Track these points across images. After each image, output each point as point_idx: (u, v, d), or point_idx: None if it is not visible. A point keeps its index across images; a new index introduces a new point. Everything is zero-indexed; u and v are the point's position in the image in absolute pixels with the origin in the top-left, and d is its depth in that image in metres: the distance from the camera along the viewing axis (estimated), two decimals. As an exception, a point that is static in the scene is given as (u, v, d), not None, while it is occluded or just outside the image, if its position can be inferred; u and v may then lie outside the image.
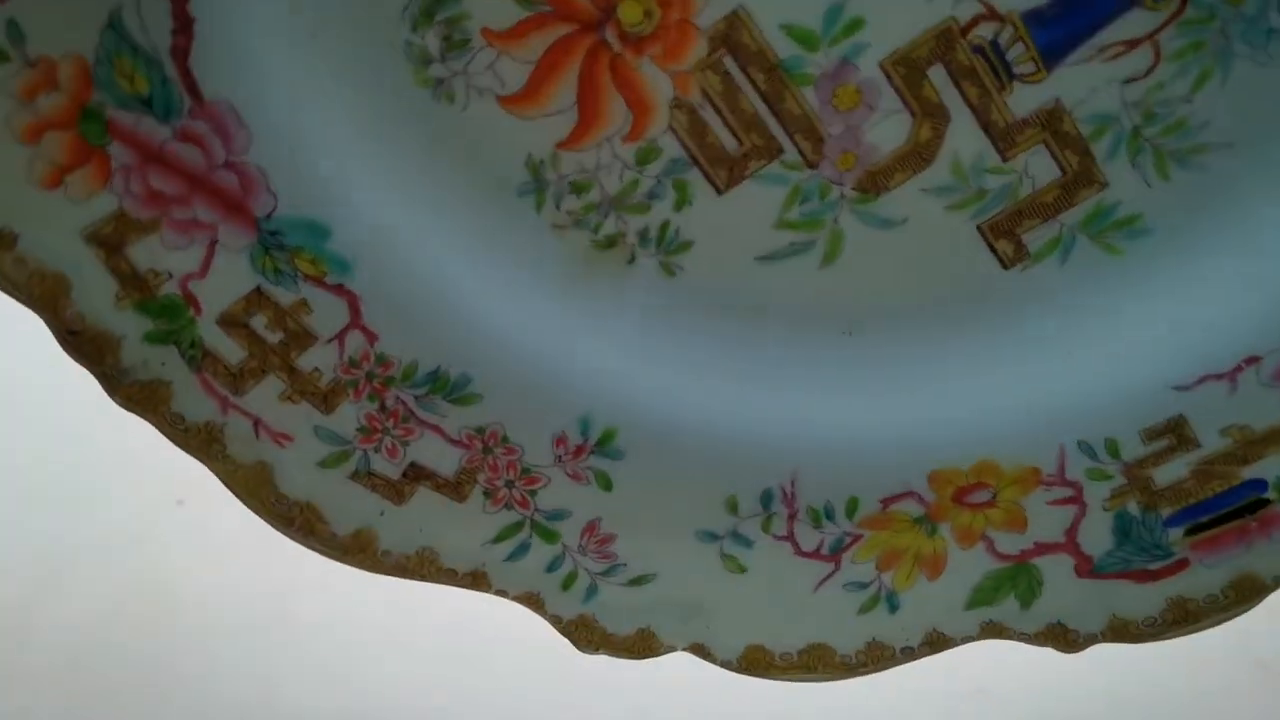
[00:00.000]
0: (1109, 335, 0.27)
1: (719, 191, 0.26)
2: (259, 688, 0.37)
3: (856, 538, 0.28)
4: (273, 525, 0.28)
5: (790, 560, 0.29)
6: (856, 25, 0.24)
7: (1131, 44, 0.24)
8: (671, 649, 0.29)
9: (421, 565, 0.28)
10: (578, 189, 0.26)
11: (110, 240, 0.24)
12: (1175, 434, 0.27)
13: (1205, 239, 0.26)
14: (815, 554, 0.29)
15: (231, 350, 0.26)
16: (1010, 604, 0.29)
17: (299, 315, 0.26)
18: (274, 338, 0.26)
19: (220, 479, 0.27)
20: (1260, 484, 0.27)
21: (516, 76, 0.25)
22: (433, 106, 0.25)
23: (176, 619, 0.40)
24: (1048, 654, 0.29)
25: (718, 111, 0.25)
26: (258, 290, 0.26)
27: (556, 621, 0.29)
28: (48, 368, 0.46)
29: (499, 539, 0.28)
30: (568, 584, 0.29)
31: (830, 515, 0.28)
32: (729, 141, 0.26)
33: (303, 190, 0.25)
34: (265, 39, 0.24)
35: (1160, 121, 0.25)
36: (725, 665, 0.29)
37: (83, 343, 0.25)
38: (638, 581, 0.29)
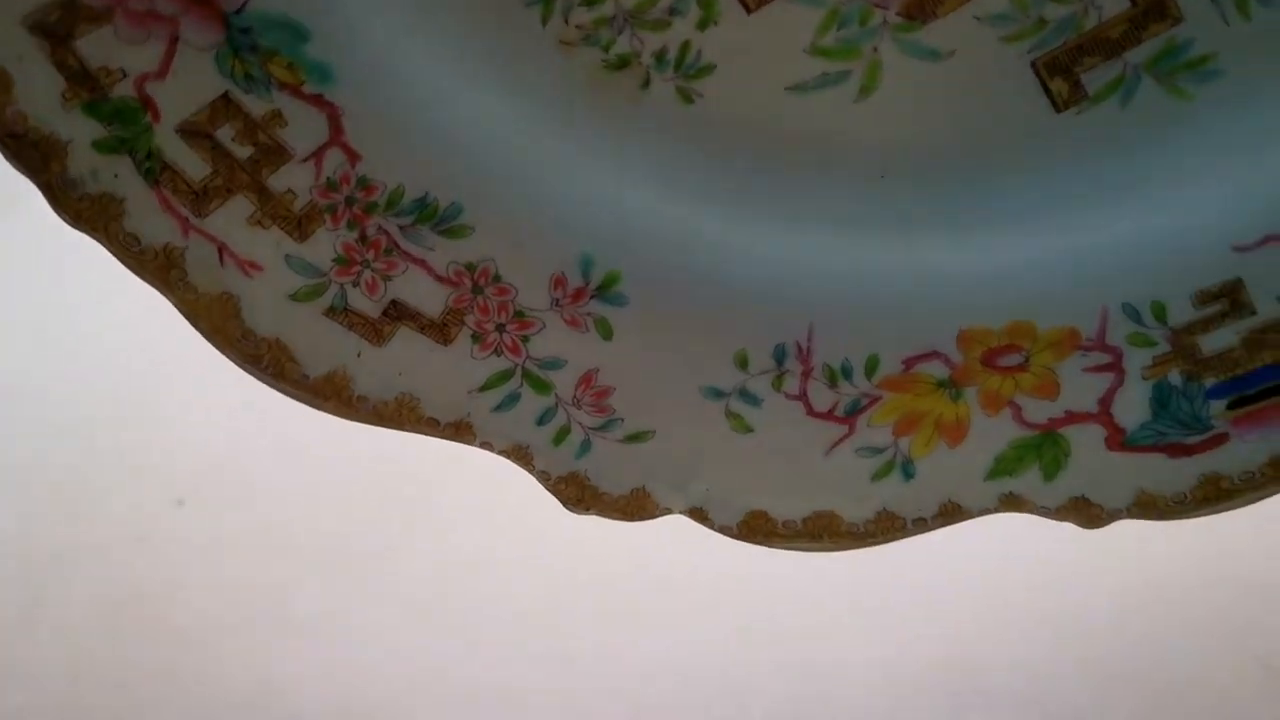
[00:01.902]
0: (1169, 188, 0.25)
1: (748, 10, 0.23)
2: (258, 687, 0.37)
3: (874, 399, 0.26)
4: (238, 364, 0.25)
5: (801, 421, 0.27)
6: None
7: None
8: (667, 512, 0.27)
9: (400, 413, 0.26)
10: (591, 2, 0.23)
11: (56, 30, 0.21)
12: (1230, 298, 0.25)
13: (1282, 87, 0.23)
14: (829, 415, 0.27)
15: (194, 164, 0.23)
16: (1033, 475, 0.27)
17: (272, 128, 0.23)
18: (243, 153, 0.23)
19: (180, 311, 0.24)
20: (1314, 357, 0.25)
21: None
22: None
23: (176, 619, 0.39)
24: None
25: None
26: (225, 97, 0.23)
27: (545, 478, 0.27)
28: (48, 367, 0.44)
29: (486, 387, 0.26)
30: (559, 439, 0.27)
31: (848, 374, 0.26)
32: (759, -48, 0.23)
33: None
34: None
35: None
36: (724, 531, 0.28)
37: (24, 148, 0.22)
38: (635, 438, 0.27)
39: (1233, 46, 0.23)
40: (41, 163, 0.22)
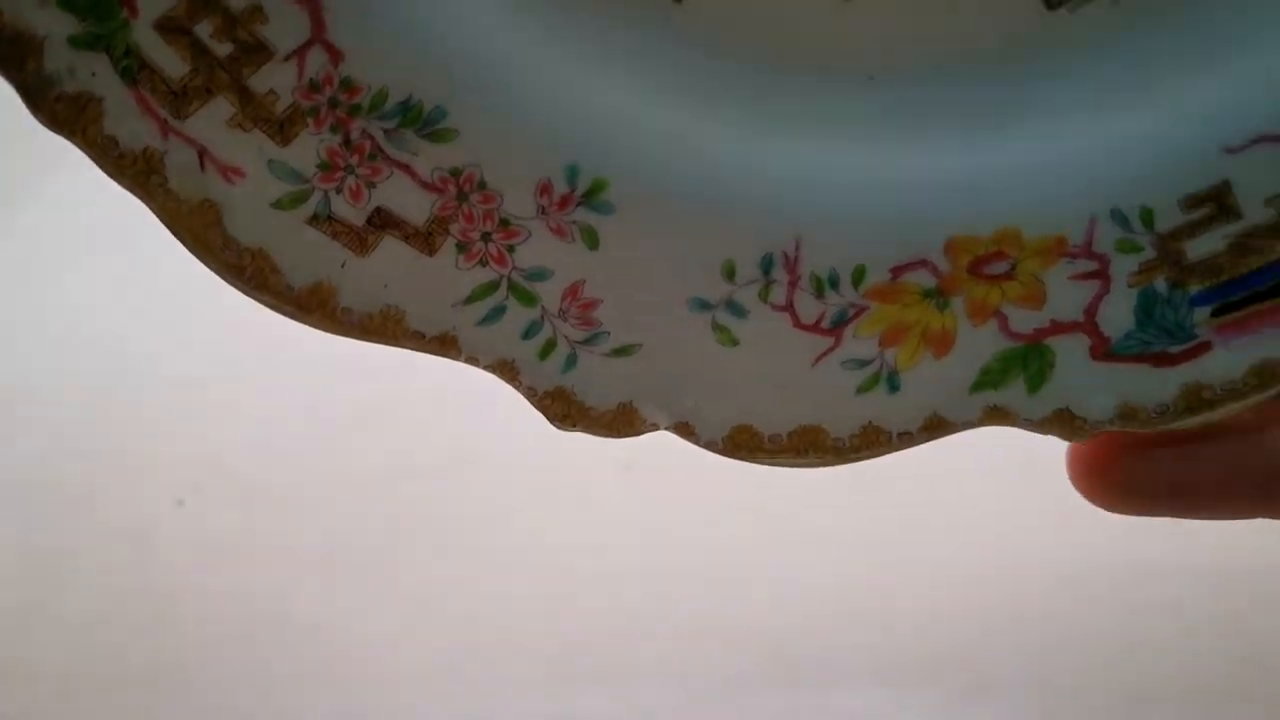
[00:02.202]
0: (1161, 89, 0.25)
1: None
2: (258, 688, 0.37)
3: (861, 310, 0.26)
4: (221, 275, 0.25)
5: (788, 333, 0.26)
6: None
7: None
8: (654, 427, 0.27)
9: (385, 325, 0.25)
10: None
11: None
12: (1217, 202, 0.25)
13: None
14: (815, 327, 0.26)
15: (172, 63, 0.23)
16: (1018, 387, 0.27)
17: (252, 24, 0.23)
18: (222, 50, 0.23)
19: (161, 219, 0.24)
20: (1299, 262, 0.25)
21: None
22: None
23: (176, 619, 0.39)
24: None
25: None
26: (205, -7, 0.22)
27: (531, 394, 0.27)
28: (48, 367, 0.44)
29: (472, 299, 0.26)
30: (545, 352, 0.26)
31: (835, 284, 0.26)
32: None
33: None
34: None
35: None
36: (710, 446, 0.27)
37: (0, 44, 0.21)
38: (621, 352, 0.26)
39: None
40: (18, 60, 0.22)
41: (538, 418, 0.27)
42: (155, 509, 0.40)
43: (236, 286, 0.25)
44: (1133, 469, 0.27)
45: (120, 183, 0.23)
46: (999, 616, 0.38)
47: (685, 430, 0.27)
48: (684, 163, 0.25)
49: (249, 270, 0.24)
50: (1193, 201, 0.25)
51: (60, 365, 0.44)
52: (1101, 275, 0.26)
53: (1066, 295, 0.26)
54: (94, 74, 0.22)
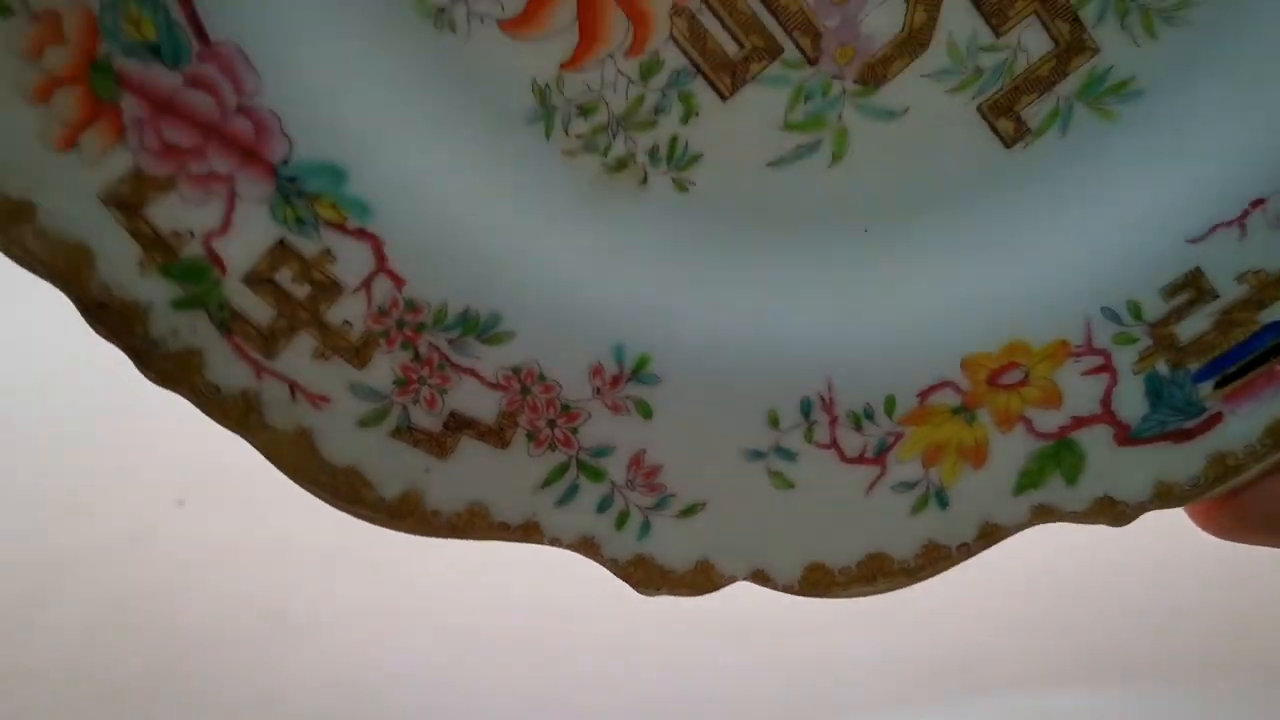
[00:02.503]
0: (1118, 199, 0.28)
1: (723, 98, 0.27)
2: (259, 688, 0.37)
3: (899, 436, 0.29)
4: (318, 496, 0.27)
5: (836, 468, 0.29)
6: (843, -86, 0.25)
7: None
8: (732, 579, 0.29)
9: (473, 522, 0.28)
10: (585, 111, 0.26)
11: (129, 201, 0.24)
12: (1194, 287, 0.28)
13: (1199, 94, 0.27)
14: (860, 459, 0.29)
15: (260, 309, 0.25)
16: (1056, 483, 0.29)
17: (324, 265, 0.26)
18: (301, 292, 0.26)
19: (262, 452, 0.26)
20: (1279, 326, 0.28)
21: None
22: (436, 37, 0.25)
23: (176, 619, 0.40)
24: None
25: (716, 15, 0.26)
26: (281, 243, 0.25)
27: (614, 565, 0.28)
28: (48, 368, 0.45)
29: (547, 483, 0.28)
30: (620, 523, 0.28)
31: (870, 415, 0.28)
32: (729, 46, 0.26)
33: (315, 132, 0.25)
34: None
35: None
36: (787, 589, 0.29)
37: (110, 315, 0.24)
38: (689, 511, 0.29)
39: (1148, 65, 0.27)
40: (126, 327, 0.24)
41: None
42: (155, 509, 0.40)
43: (333, 504, 0.27)
44: (1246, 499, 0.28)
45: (223, 424, 0.26)
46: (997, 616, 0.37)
47: (761, 578, 0.29)
48: (714, 328, 0.28)
49: (343, 488, 0.27)
50: (1172, 290, 0.28)
51: (60, 364, 0.43)
52: (1108, 368, 0.28)
53: (1081, 391, 0.28)
54: (194, 329, 0.25)
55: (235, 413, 0.25)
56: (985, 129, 0.27)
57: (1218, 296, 0.27)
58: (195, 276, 0.25)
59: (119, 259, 0.24)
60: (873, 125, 0.27)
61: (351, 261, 0.26)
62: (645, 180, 0.27)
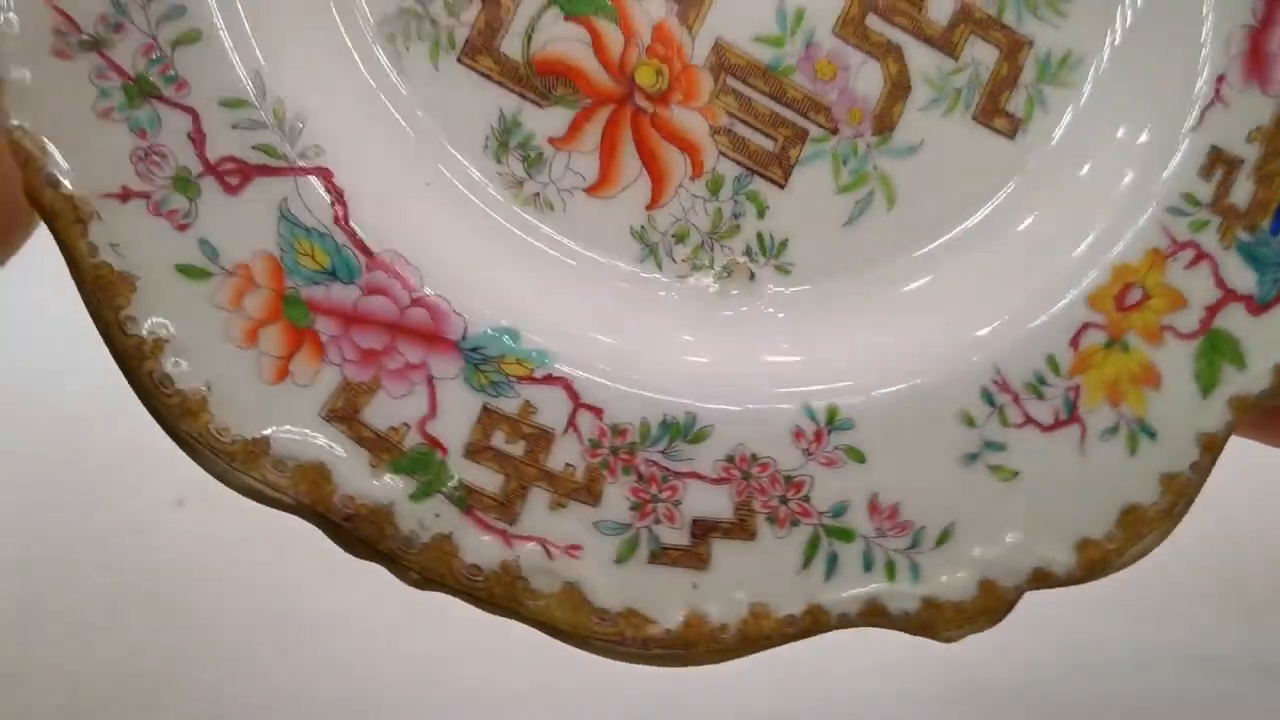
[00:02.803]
0: (1120, 132, 0.32)
1: (781, 186, 0.31)
2: (259, 687, 0.36)
3: (1076, 388, 0.30)
4: (606, 655, 0.26)
5: (1043, 440, 0.30)
6: (800, 15, 0.31)
7: (974, -60, 0.32)
8: (1019, 590, 0.28)
9: (760, 623, 0.27)
10: (679, 237, 0.30)
11: (345, 411, 0.25)
12: (1221, 162, 0.31)
13: (1125, 34, 0.32)
14: (1057, 424, 0.30)
15: (489, 478, 0.26)
16: (1230, 371, 0.30)
17: (529, 418, 0.27)
18: (518, 450, 0.27)
19: (540, 625, 0.26)
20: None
21: (590, 167, 0.30)
22: (542, 216, 0.29)
23: (176, 619, 0.39)
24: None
25: (745, 123, 0.31)
26: (485, 409, 0.27)
27: (907, 621, 0.28)
28: (48, 368, 0.41)
29: (807, 561, 0.28)
30: (891, 574, 0.28)
31: (1043, 380, 0.30)
32: (766, 143, 0.31)
33: (481, 305, 0.27)
34: (401, 192, 0.27)
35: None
36: (1070, 578, 0.29)
37: (360, 524, 0.25)
38: (944, 538, 0.29)
39: (1074, 37, 0.32)
40: (377, 532, 0.25)
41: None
42: (155, 509, 0.40)
43: (626, 658, 0.26)
44: None
45: (493, 606, 0.26)
46: None
47: (1042, 577, 0.29)
48: (875, 361, 0.30)
49: (628, 633, 0.26)
50: (1207, 171, 0.31)
51: (60, 364, 0.42)
52: (1202, 254, 0.31)
53: (1195, 285, 0.31)
54: (438, 515, 0.26)
55: (502, 591, 0.25)
56: (988, 132, 0.32)
57: (1243, 160, 0.31)
58: (423, 464, 0.26)
59: (352, 468, 0.25)
60: (905, 164, 0.31)
61: (551, 407, 0.27)
62: (753, 277, 0.30)
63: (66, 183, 0.24)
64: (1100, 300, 0.31)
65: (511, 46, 0.29)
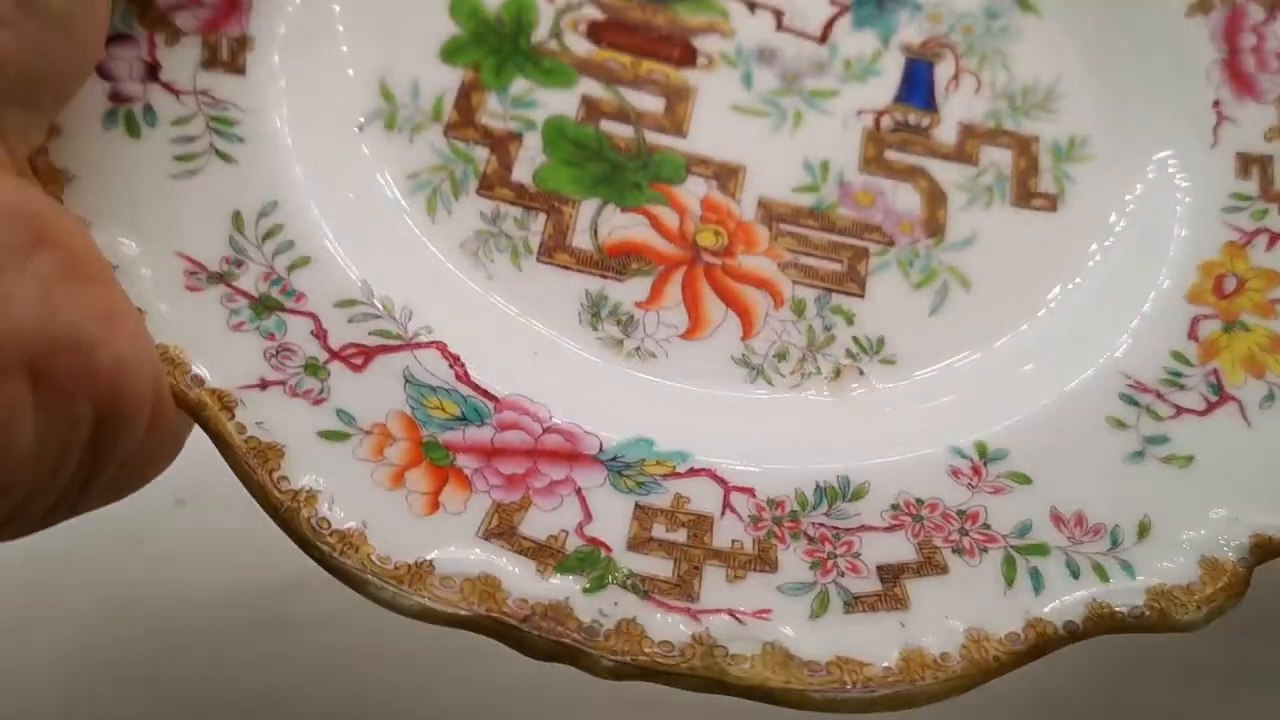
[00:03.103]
0: (1150, 170, 0.34)
1: (860, 297, 0.33)
2: (259, 688, 0.36)
3: (1216, 371, 0.30)
4: (827, 707, 0.24)
5: (1205, 423, 0.29)
6: (825, 165, 0.35)
7: (957, 78, 0.37)
8: (1246, 563, 0.27)
9: (982, 650, 0.25)
10: (781, 355, 0.31)
11: (502, 529, 0.26)
12: (1253, 163, 0.33)
13: (1118, 99, 0.35)
14: (1210, 406, 0.29)
15: (659, 565, 0.26)
16: None
17: (683, 508, 0.27)
18: (681, 536, 0.27)
19: (747, 691, 0.24)
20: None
21: (679, 317, 0.32)
22: (646, 365, 0.31)
23: (176, 620, 0.39)
24: None
25: (809, 255, 0.33)
26: (638, 506, 0.27)
27: (1139, 618, 0.26)
28: None
29: (1010, 582, 0.26)
30: (1103, 575, 0.26)
31: (1178, 374, 0.30)
32: (834, 265, 0.33)
33: (610, 426, 0.28)
34: (512, 359, 0.29)
35: (1011, 88, 0.36)
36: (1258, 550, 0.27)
37: (539, 622, 0.24)
38: (1144, 531, 0.27)
39: (1077, 120, 0.36)
40: (559, 626, 0.24)
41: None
42: (155, 509, 0.39)
43: (851, 709, 0.24)
44: None
45: (699, 687, 0.24)
46: None
47: (1265, 543, 0.27)
48: (1004, 395, 0.30)
49: (846, 679, 0.24)
50: (1244, 170, 0.33)
51: None
52: (1275, 235, 0.32)
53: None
54: (616, 603, 0.25)
55: (703, 661, 0.24)
56: (1031, 213, 0.34)
57: (1270, 155, 0.33)
58: (590, 562, 0.26)
59: (520, 574, 0.25)
60: (966, 254, 0.33)
61: (702, 495, 0.27)
62: (863, 373, 0.31)
63: (210, 381, 0.26)
64: (1199, 295, 0.31)
65: (581, 241, 0.32)
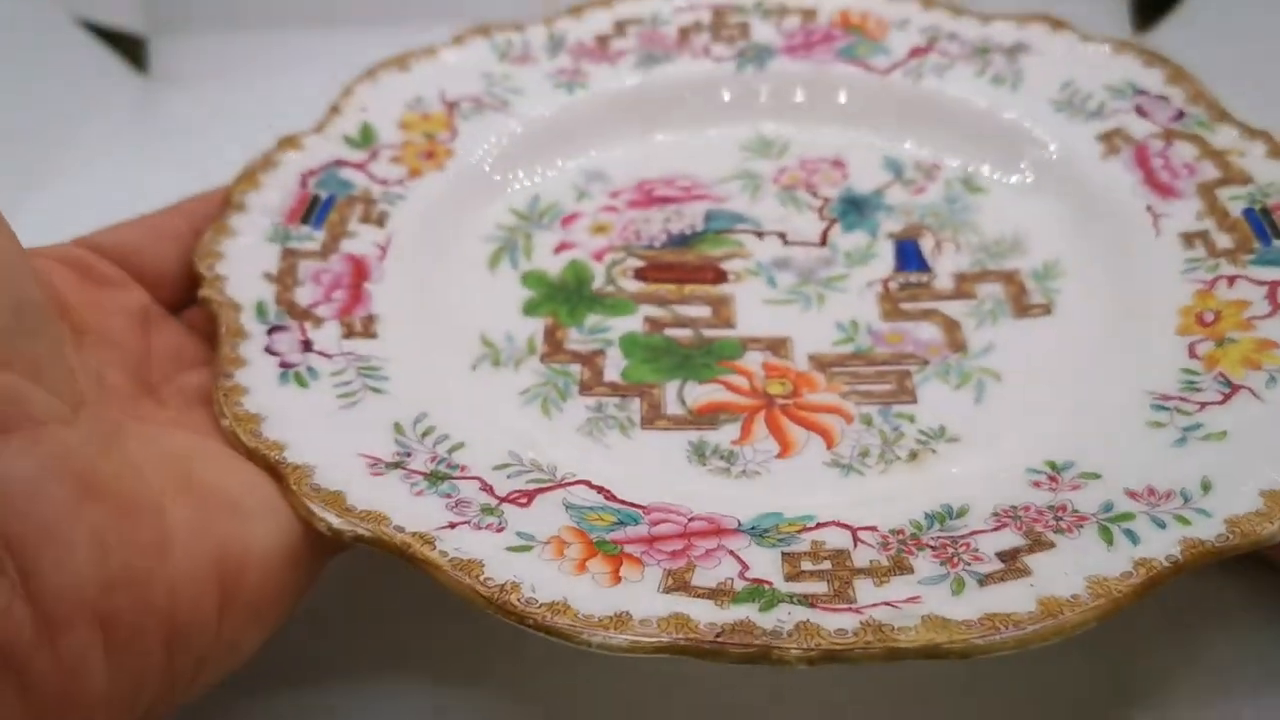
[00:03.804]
0: (1118, 262, 0.41)
1: (915, 402, 0.39)
2: (259, 687, 0.35)
3: (1222, 373, 0.36)
4: (992, 648, 0.28)
5: (1228, 407, 0.34)
6: (854, 322, 0.42)
7: (939, 246, 0.45)
8: None
9: (1105, 588, 0.29)
10: (864, 454, 0.37)
11: (678, 584, 0.30)
12: (1194, 236, 0.41)
13: (1078, 237, 0.44)
14: (1226, 397, 0.35)
15: (816, 586, 0.30)
16: None
17: (821, 549, 0.32)
18: (827, 565, 0.31)
19: (918, 653, 0.28)
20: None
21: (770, 445, 0.38)
22: (754, 482, 0.36)
23: None
24: None
25: (863, 383, 0.40)
26: (784, 555, 0.32)
27: (1228, 543, 0.30)
28: None
29: (1109, 542, 0.31)
30: (1185, 521, 0.31)
31: (1193, 382, 0.35)
32: (886, 386, 0.39)
33: (743, 512, 0.34)
34: (647, 492, 0.35)
35: (985, 242, 0.44)
36: None
37: (730, 635, 0.29)
38: (1207, 486, 0.32)
39: (1042, 251, 0.43)
40: (749, 635, 0.28)
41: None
42: None
43: (1012, 646, 0.28)
44: None
45: (876, 658, 0.28)
46: None
47: None
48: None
49: (999, 624, 0.29)
50: (1189, 244, 0.41)
51: None
52: (1232, 278, 0.39)
53: (1245, 292, 0.38)
54: (789, 613, 0.29)
55: (874, 637, 0.28)
56: (1030, 320, 0.41)
57: (1207, 229, 0.41)
58: (758, 594, 0.30)
59: (702, 609, 0.29)
60: (990, 358, 0.40)
61: (835, 537, 0.32)
62: (935, 451, 0.37)
63: (408, 530, 0.31)
64: (1187, 329, 0.37)
65: (674, 410, 0.39)
